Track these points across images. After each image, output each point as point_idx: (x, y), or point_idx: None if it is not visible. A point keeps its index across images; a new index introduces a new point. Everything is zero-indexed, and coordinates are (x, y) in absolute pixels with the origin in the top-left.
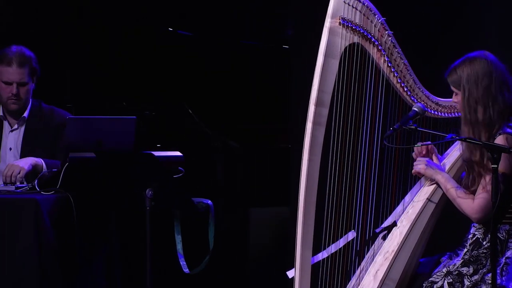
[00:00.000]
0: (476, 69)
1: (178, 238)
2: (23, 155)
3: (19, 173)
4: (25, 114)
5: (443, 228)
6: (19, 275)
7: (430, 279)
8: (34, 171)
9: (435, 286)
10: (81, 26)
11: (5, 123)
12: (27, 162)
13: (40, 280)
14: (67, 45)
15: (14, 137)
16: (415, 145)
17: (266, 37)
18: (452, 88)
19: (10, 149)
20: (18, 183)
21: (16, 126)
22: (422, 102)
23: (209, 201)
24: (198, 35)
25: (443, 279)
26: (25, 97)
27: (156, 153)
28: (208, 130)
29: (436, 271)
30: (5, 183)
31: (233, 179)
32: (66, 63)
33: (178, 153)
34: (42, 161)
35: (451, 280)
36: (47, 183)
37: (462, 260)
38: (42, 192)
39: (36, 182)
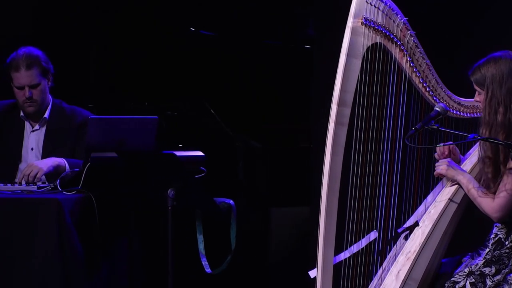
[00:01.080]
0: (502, 69)
1: (200, 238)
2: (44, 155)
3: (36, 173)
4: (46, 114)
5: (464, 229)
6: (41, 275)
7: (452, 279)
8: (56, 172)
9: (457, 286)
10: (103, 26)
11: (26, 124)
12: (47, 164)
13: (62, 280)
14: (89, 45)
15: (35, 137)
16: (437, 145)
17: (288, 37)
18: (475, 87)
19: (32, 149)
20: (39, 183)
21: (37, 127)
22: (444, 102)
23: (231, 201)
24: (221, 35)
25: (465, 279)
26: (40, 98)
27: (178, 153)
28: (229, 130)
29: (458, 271)
30: (26, 183)
31: (255, 179)
32: (87, 63)
33: (200, 153)
34: (65, 161)
35: (473, 280)
36: (69, 183)
37: (484, 260)
38: (64, 192)
39: (58, 182)
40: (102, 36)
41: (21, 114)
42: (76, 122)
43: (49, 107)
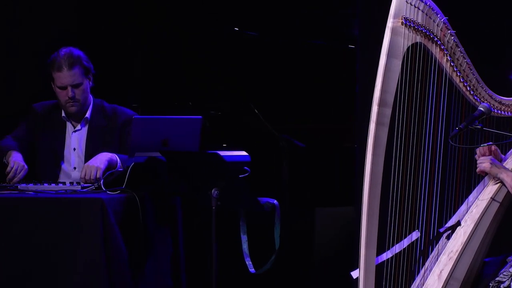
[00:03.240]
0: None
1: (244, 238)
2: (87, 155)
3: (96, 173)
4: (87, 114)
5: (507, 228)
6: (85, 275)
7: (497, 278)
8: (109, 166)
9: (501, 286)
10: (146, 27)
11: (68, 124)
12: (102, 160)
13: (106, 280)
14: (134, 45)
15: (77, 137)
16: (479, 146)
17: (332, 36)
18: None
19: (74, 149)
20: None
21: (79, 127)
22: (486, 101)
23: (275, 201)
24: (264, 35)
25: (510, 279)
26: (82, 98)
27: (222, 153)
28: (273, 129)
29: (502, 271)
30: (88, 183)
31: (299, 179)
32: (132, 63)
33: (244, 153)
34: (117, 156)
35: None
36: (112, 183)
37: None
38: (107, 192)
39: (102, 181)
40: (147, 36)
41: (63, 114)
42: (119, 121)
43: (90, 107)
